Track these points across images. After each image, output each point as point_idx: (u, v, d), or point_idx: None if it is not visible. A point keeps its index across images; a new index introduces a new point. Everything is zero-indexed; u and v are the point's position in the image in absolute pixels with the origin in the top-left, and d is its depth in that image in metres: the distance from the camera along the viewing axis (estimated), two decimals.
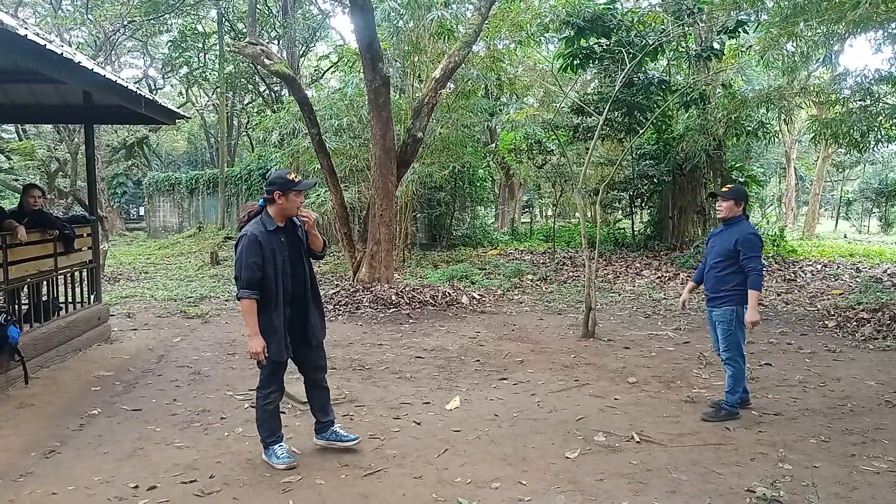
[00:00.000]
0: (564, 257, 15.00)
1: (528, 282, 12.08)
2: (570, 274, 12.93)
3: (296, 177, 3.99)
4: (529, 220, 25.69)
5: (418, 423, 4.87)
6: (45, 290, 6.83)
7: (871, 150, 13.43)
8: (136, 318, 9.01)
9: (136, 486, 3.81)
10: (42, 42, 4.76)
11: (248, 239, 3.85)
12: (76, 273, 7.45)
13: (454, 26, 12.47)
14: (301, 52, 25.67)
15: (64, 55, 5.01)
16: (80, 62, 5.36)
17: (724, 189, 5.11)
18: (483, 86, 15.02)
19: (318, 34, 27.19)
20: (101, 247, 9.90)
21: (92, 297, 7.64)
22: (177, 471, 4.03)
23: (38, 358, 6.11)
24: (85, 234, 7.53)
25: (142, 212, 32.22)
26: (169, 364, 6.61)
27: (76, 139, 22.40)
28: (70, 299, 7.30)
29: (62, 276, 7.16)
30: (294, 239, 4.06)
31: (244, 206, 4.29)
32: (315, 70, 29.40)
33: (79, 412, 5.11)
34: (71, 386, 5.81)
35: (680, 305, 5.52)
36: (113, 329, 7.89)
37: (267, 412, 4.08)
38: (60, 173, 25.55)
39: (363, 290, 9.92)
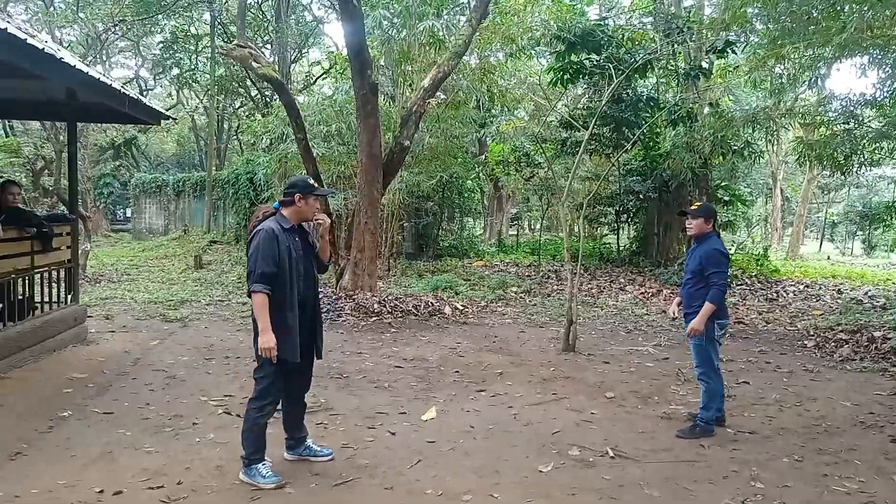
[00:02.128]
0: (549, 270, 15.01)
1: (512, 294, 12.08)
2: (555, 287, 12.94)
3: (315, 183, 4.08)
4: (516, 233, 25.71)
5: (393, 434, 4.83)
6: (20, 288, 6.73)
7: (854, 174, 13.60)
8: (115, 321, 8.90)
9: (102, 491, 3.75)
10: (24, 36, 4.72)
11: (266, 233, 3.83)
12: (53, 272, 7.36)
13: (445, 37, 12.51)
14: (293, 58, 25.65)
15: (46, 50, 4.97)
16: (62, 58, 5.31)
17: (692, 207, 5.16)
18: (474, 97, 15.07)
19: (310, 40, 27.19)
20: (83, 247, 9.82)
21: (69, 297, 7.55)
22: (144, 476, 3.97)
23: (10, 358, 6.02)
24: (64, 233, 7.44)
25: (128, 213, 31.97)
26: (144, 367, 6.53)
27: (62, 137, 22.22)
28: (46, 299, 7.21)
29: (39, 275, 7.07)
30: (306, 243, 4.08)
31: (259, 207, 4.28)
32: (307, 76, 29.37)
33: (48, 414, 5.04)
34: (42, 387, 5.72)
35: (670, 318, 5.52)
36: (90, 330, 7.79)
37: (259, 426, 3.93)
38: (46, 172, 25.32)
39: (345, 298, 9.87)
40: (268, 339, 3.77)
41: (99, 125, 25.55)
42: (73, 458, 4.23)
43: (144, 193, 26.47)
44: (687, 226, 5.12)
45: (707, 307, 4.76)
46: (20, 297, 6.68)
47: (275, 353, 3.78)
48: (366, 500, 3.77)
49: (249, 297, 3.85)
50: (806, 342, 8.46)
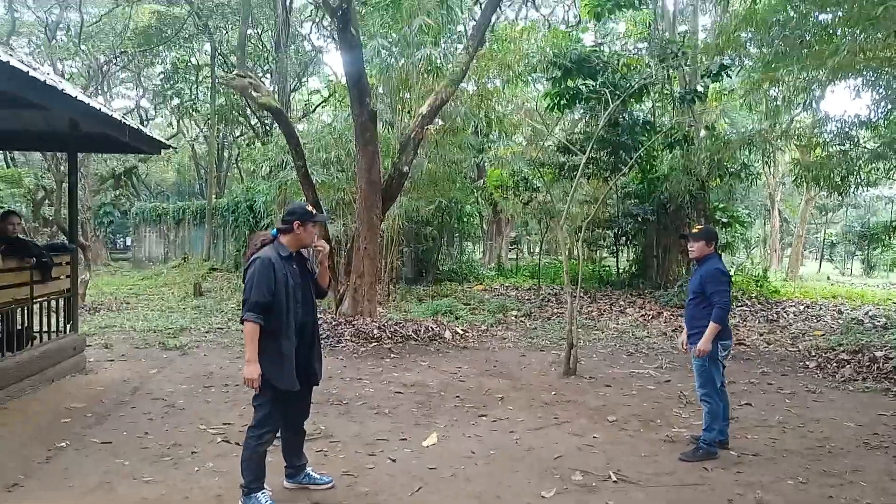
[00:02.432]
0: (549, 294, 15.00)
1: (513, 318, 12.05)
2: (555, 311, 12.92)
3: (314, 209, 4.07)
4: (516, 257, 25.74)
5: (393, 460, 4.79)
6: (19, 318, 6.72)
7: (851, 194, 13.65)
8: (114, 350, 8.86)
9: None
10: (26, 69, 4.78)
11: (262, 262, 3.81)
12: (53, 302, 7.35)
13: (443, 64, 12.65)
14: (293, 87, 25.90)
15: (48, 83, 5.03)
16: (63, 90, 5.37)
17: (694, 231, 5.24)
18: (472, 123, 15.20)
19: (310, 69, 27.49)
20: (82, 276, 9.80)
21: (68, 326, 7.53)
22: None
23: (8, 388, 5.98)
24: (63, 263, 7.45)
25: (129, 242, 32.02)
26: (143, 396, 6.49)
27: (62, 168, 22.36)
28: (45, 328, 7.19)
29: (38, 305, 7.06)
30: (304, 269, 4.07)
31: (257, 233, 4.23)
32: (306, 104, 29.63)
33: (47, 444, 5.00)
34: (41, 417, 5.69)
35: (682, 349, 5.45)
36: (89, 360, 7.75)
37: (258, 454, 3.90)
38: (46, 202, 25.44)
39: (345, 324, 9.85)
40: (251, 371, 3.78)
41: (99, 155, 25.70)
42: (72, 488, 4.19)
43: (144, 222, 26.53)
44: (688, 249, 5.17)
45: (712, 327, 4.78)
46: (19, 328, 6.66)
47: (257, 384, 3.79)
48: None
49: (242, 324, 3.84)
50: (808, 363, 8.43)
